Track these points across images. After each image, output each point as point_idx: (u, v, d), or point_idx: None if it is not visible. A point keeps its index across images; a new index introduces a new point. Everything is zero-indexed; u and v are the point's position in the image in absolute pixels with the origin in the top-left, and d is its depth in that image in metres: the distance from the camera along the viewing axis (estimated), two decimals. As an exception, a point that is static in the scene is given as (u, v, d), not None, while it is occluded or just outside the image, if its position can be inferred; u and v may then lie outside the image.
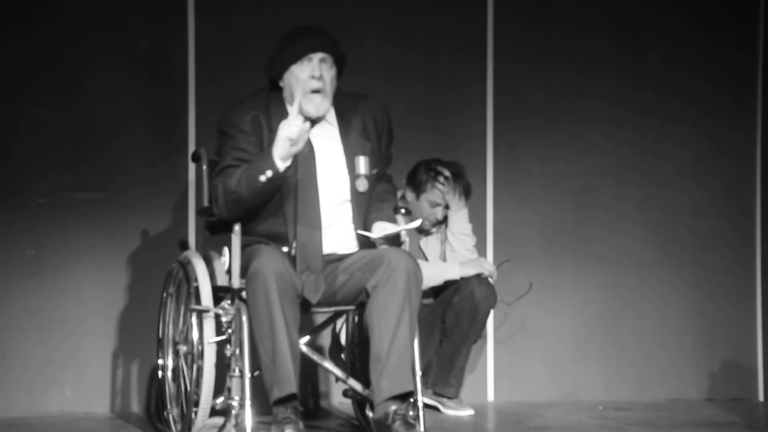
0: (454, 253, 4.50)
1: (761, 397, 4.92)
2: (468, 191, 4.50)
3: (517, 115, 4.82)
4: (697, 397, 4.89)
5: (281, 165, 3.45)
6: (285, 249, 3.54)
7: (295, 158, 3.52)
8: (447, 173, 4.45)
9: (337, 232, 3.60)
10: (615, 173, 4.89)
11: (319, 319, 4.02)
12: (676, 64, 4.90)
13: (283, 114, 3.55)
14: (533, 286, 4.64)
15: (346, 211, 3.61)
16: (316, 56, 3.56)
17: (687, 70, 4.91)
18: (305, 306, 3.53)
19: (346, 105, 3.66)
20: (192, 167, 4.50)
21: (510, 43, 4.80)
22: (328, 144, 3.63)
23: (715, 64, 4.93)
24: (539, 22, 4.83)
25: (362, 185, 3.61)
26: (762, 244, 4.95)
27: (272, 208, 3.56)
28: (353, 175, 3.60)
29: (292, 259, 3.52)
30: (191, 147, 4.52)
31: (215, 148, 3.68)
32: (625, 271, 4.88)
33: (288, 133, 3.42)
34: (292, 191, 3.56)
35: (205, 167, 3.76)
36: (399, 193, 4.26)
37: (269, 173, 3.44)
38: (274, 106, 3.60)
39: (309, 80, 3.56)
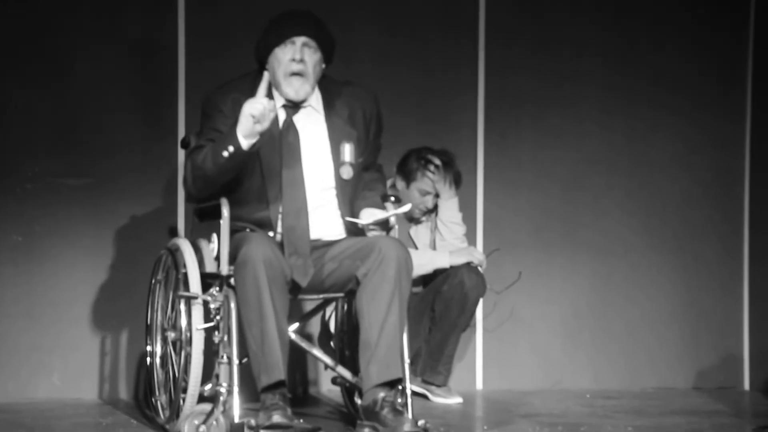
0: (443, 241, 4.50)
1: (747, 386, 4.94)
2: (458, 180, 4.50)
3: (508, 102, 4.81)
4: (684, 386, 4.91)
5: (244, 142, 3.44)
6: (271, 234, 3.53)
7: (280, 142, 3.52)
8: (437, 162, 4.44)
9: (323, 217, 3.59)
10: (605, 162, 4.90)
11: (308, 306, 4.02)
12: (666, 53, 4.90)
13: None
14: (522, 275, 4.64)
15: (332, 198, 3.61)
16: (299, 40, 3.56)
17: (678, 59, 4.91)
18: (295, 289, 3.53)
19: (333, 92, 3.66)
20: (181, 153, 4.48)
21: (502, 30, 4.79)
22: (314, 129, 3.63)
23: (705, 53, 4.93)
24: (531, 9, 4.82)
25: (347, 172, 3.60)
26: (750, 234, 4.96)
27: (256, 193, 3.56)
28: (338, 162, 3.60)
29: (279, 245, 3.51)
30: (180, 133, 4.50)
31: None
32: (614, 259, 4.89)
33: (251, 110, 3.41)
34: (276, 176, 3.56)
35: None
36: (389, 182, 4.25)
37: (231, 149, 3.43)
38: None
39: (290, 63, 3.55)
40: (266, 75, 3.51)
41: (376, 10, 4.71)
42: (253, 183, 3.56)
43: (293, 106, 3.61)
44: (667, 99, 4.91)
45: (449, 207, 4.48)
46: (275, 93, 3.59)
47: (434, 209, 4.52)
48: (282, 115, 3.60)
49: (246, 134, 3.43)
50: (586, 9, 4.85)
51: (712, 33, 4.93)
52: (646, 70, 4.89)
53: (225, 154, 3.44)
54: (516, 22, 4.80)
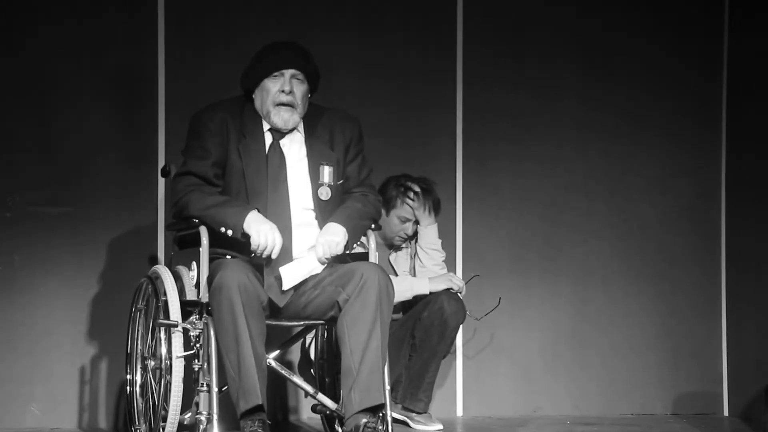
0: (423, 268, 4.51)
1: (726, 412, 4.97)
2: (437, 206, 4.53)
3: (487, 128, 4.85)
4: (663, 412, 4.93)
5: (240, 233, 3.51)
6: (252, 255, 3.55)
7: (266, 165, 3.59)
8: (416, 189, 4.47)
9: (303, 236, 3.61)
10: (583, 190, 4.94)
11: (289, 333, 4.02)
12: (642, 91, 4.97)
13: (255, 122, 3.62)
14: (502, 301, 4.66)
15: (311, 219, 3.63)
16: (288, 72, 3.62)
17: (653, 97, 4.97)
18: (276, 314, 3.54)
19: (316, 116, 3.71)
20: (161, 182, 4.49)
21: (479, 69, 4.83)
22: (296, 152, 3.68)
23: (680, 91, 5.00)
24: (508, 49, 4.87)
25: (325, 193, 3.64)
26: (727, 261, 5.01)
27: None
28: (316, 184, 3.63)
29: (258, 268, 3.53)
30: (161, 162, 4.51)
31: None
32: (592, 286, 4.92)
33: (264, 242, 3.47)
34: (262, 197, 3.60)
35: (174, 182, 3.77)
36: None
37: (230, 232, 3.52)
38: (247, 113, 3.66)
39: (278, 94, 3.61)
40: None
41: (357, 52, 4.73)
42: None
43: (278, 131, 3.66)
44: (643, 136, 4.97)
45: (429, 233, 4.50)
46: (263, 121, 3.64)
47: (414, 236, 4.55)
48: (268, 139, 3.65)
49: (248, 230, 3.49)
50: (561, 51, 4.91)
51: (687, 72, 5.01)
52: (621, 109, 4.95)
53: (222, 230, 3.52)
54: (493, 63, 4.85)
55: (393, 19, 4.78)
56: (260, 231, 3.48)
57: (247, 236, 3.51)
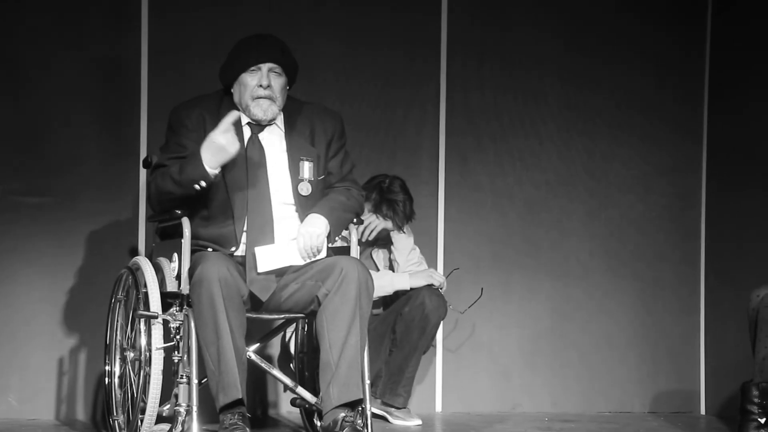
0: (398, 265, 4.51)
1: (703, 411, 5.00)
2: (404, 218, 4.52)
3: (469, 123, 4.85)
4: (641, 410, 4.95)
5: (212, 173, 3.51)
6: (233, 249, 3.54)
7: (245, 158, 3.57)
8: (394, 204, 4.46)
9: (284, 230, 3.60)
10: (565, 185, 4.95)
11: (269, 327, 4.02)
12: (625, 74, 4.98)
13: None
14: (482, 296, 4.66)
15: (292, 213, 3.62)
16: (265, 66, 3.62)
17: (637, 80, 4.99)
18: (256, 306, 3.53)
19: (296, 111, 3.71)
20: (143, 173, 4.47)
21: (463, 49, 4.84)
22: (276, 146, 3.67)
23: (662, 91, 5.02)
24: (491, 46, 4.87)
25: (305, 189, 3.64)
26: (706, 260, 5.04)
27: (221, 208, 3.59)
28: (296, 179, 3.63)
29: (241, 261, 3.51)
30: (142, 152, 4.50)
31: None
32: (572, 283, 4.94)
33: (219, 140, 3.47)
34: (242, 191, 3.59)
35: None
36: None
37: (203, 183, 3.50)
38: (224, 109, 3.64)
39: (256, 88, 3.62)
40: (234, 113, 3.54)
41: (340, 30, 4.73)
42: (217, 198, 3.58)
43: (257, 124, 3.65)
44: (627, 120, 5.00)
45: (401, 239, 4.49)
46: (241, 114, 3.63)
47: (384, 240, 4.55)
48: (247, 133, 3.64)
49: (213, 166, 3.48)
50: (547, 29, 4.92)
51: (671, 55, 5.03)
52: (605, 92, 4.97)
53: (197, 187, 3.51)
54: (477, 42, 4.86)
55: (377, 14, 4.77)
56: (215, 141, 3.45)
57: (217, 175, 3.49)
